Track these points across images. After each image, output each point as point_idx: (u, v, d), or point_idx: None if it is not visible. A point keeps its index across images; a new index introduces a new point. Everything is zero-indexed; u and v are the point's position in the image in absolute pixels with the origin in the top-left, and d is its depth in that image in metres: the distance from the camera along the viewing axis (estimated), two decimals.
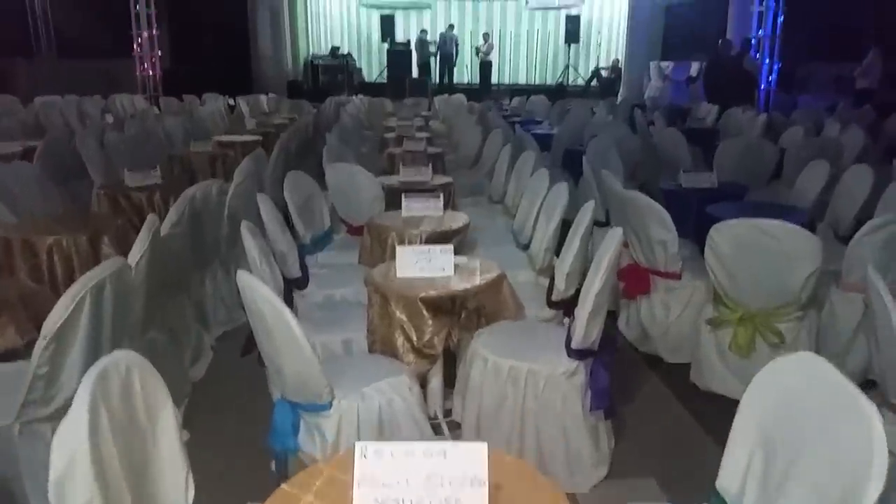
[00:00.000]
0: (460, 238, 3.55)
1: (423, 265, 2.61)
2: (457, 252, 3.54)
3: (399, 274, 2.62)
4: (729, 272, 3.04)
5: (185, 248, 3.34)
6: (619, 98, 15.23)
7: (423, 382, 2.67)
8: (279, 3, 16.17)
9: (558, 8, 19.76)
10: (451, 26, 18.29)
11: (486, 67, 18.44)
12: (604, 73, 18.31)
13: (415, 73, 17.44)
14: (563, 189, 3.47)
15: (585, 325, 2.35)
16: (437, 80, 17.86)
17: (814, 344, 3.09)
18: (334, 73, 16.39)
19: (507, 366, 2.41)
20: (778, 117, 8.53)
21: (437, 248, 2.66)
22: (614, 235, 2.49)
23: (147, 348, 2.81)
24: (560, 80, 18.80)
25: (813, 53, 13.81)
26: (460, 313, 2.60)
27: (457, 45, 17.71)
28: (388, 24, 18.42)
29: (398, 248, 2.64)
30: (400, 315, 2.50)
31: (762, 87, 11.97)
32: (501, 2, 20.46)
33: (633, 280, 3.65)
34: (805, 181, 4.62)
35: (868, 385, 3.20)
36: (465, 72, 19.27)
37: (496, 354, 2.45)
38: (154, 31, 15.15)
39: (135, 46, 15.09)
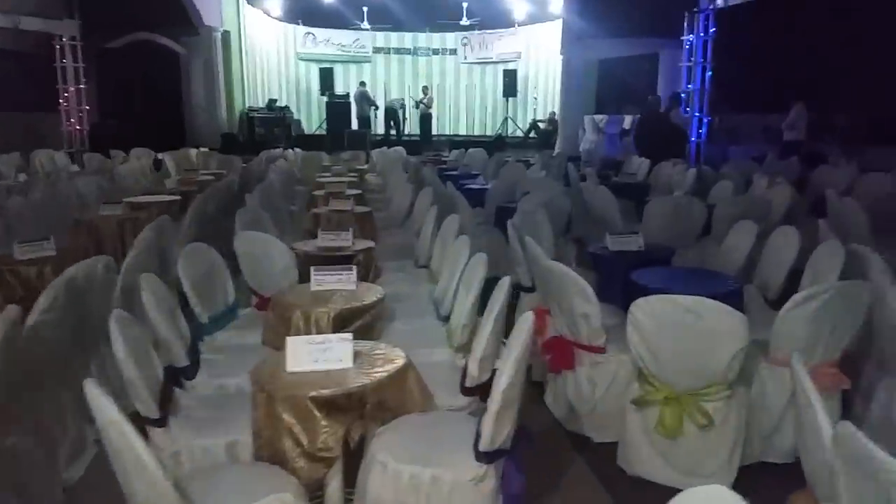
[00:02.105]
0: (375, 313, 3.30)
1: (317, 357, 2.35)
2: (371, 328, 3.32)
3: (290, 368, 2.34)
4: (652, 350, 2.86)
5: (61, 336, 3.00)
6: (556, 150, 15.42)
7: (321, 486, 2.38)
8: (212, 55, 15.95)
9: (495, 62, 20.16)
10: (363, 83, 18.38)
11: (426, 120, 18.55)
12: (541, 126, 18.59)
13: (355, 125, 17.37)
14: (481, 260, 3.28)
15: (493, 425, 2.12)
16: (384, 132, 17.88)
17: (743, 424, 2.92)
18: (271, 126, 16.17)
19: (408, 473, 2.14)
20: (707, 171, 8.64)
21: (334, 337, 2.40)
22: (525, 321, 2.29)
23: (5, 457, 2.46)
24: (499, 131, 19.02)
25: (741, 106, 14.30)
26: (361, 408, 2.34)
27: (369, 100, 17.75)
28: (327, 77, 18.42)
29: (288, 340, 2.36)
30: (287, 417, 2.21)
31: (693, 139, 12.23)
32: (440, 56, 20.77)
33: (557, 353, 3.45)
34: (733, 242, 4.56)
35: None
36: (406, 124, 19.32)
37: (396, 459, 2.18)
38: (81, 85, 14.71)
39: (60, 101, 14.62)
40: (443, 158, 13.40)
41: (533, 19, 18.78)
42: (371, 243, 4.59)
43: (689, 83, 12.26)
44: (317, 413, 2.23)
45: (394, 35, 20.49)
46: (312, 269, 3.38)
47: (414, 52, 20.70)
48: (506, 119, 19.37)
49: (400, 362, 2.44)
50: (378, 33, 20.30)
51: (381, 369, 2.37)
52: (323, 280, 3.34)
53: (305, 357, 2.34)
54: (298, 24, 19.45)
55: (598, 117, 15.21)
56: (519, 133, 19.17)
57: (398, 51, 20.66)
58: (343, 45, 20.10)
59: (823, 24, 14.04)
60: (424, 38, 20.66)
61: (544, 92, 19.41)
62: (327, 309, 3.08)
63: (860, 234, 5.22)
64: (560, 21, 16.60)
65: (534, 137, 18.48)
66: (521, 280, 4.38)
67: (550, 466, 3.10)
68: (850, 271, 3.39)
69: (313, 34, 19.67)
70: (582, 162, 12.65)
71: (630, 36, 13.84)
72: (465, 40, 20.54)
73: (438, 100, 20.28)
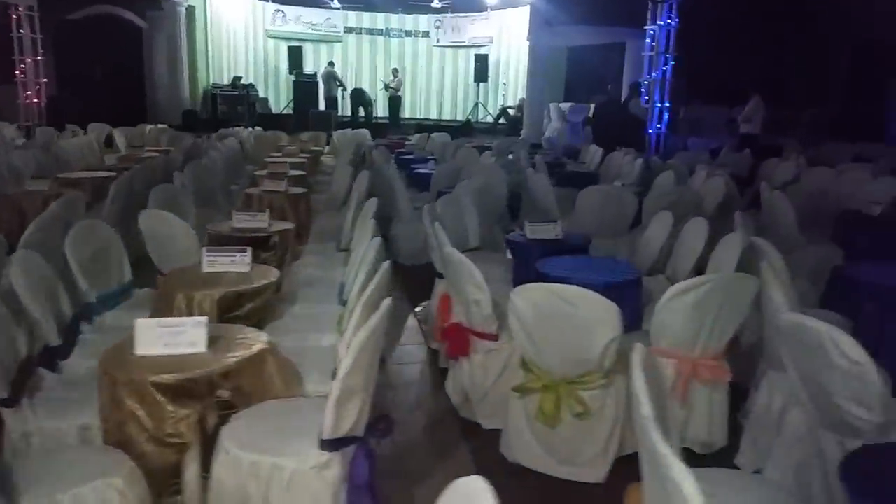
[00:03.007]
0: (267, 297, 3.27)
1: (168, 340, 2.31)
2: (262, 312, 3.29)
3: (139, 352, 2.30)
4: (531, 338, 2.86)
5: None
6: (522, 137, 15.39)
7: (178, 472, 2.35)
8: (176, 30, 15.66)
9: (468, 46, 19.99)
10: (332, 63, 18.16)
11: (395, 102, 18.41)
12: (511, 112, 18.52)
13: (322, 105, 17.18)
14: (374, 245, 3.24)
15: (335, 413, 2.09)
16: (351, 114, 17.76)
17: (622, 413, 2.93)
18: (234, 104, 15.93)
19: (248, 460, 2.12)
20: (657, 162, 8.66)
21: (188, 320, 2.37)
22: (383, 307, 2.27)
23: None
24: (469, 117, 18.93)
25: (707, 97, 14.34)
26: (213, 394, 2.31)
27: (336, 80, 17.58)
28: (295, 56, 18.18)
29: (136, 323, 2.33)
30: (131, 402, 2.17)
31: (652, 130, 12.25)
32: (413, 38, 20.56)
33: (453, 340, 3.45)
34: (651, 232, 4.57)
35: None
36: (375, 106, 19.14)
37: (238, 446, 2.15)
38: (39, 57, 14.37)
39: (17, 73, 14.27)
40: (405, 142, 13.35)
41: (505, 4, 18.62)
42: (289, 225, 4.55)
43: (651, 73, 12.24)
44: (160, 398, 2.19)
45: (366, 15, 20.23)
46: (204, 249, 3.33)
47: (386, 33, 20.46)
48: (476, 104, 19.28)
49: (257, 347, 2.41)
50: (350, 13, 20.03)
51: (234, 354, 2.34)
52: (215, 261, 3.30)
53: (155, 340, 2.30)
54: (268, 0, 19.15)
55: (563, 105, 15.20)
56: (489, 118, 19.10)
57: (370, 31, 20.40)
58: (314, 24, 19.82)
59: (790, 18, 14.11)
60: (397, 20, 20.42)
61: (515, 78, 19.30)
62: (211, 292, 3.03)
63: (788, 228, 5.28)
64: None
65: (503, 123, 18.41)
66: (437, 265, 4.36)
67: (435, 453, 3.10)
68: (752, 264, 3.41)
69: (283, 11, 19.36)
70: (543, 149, 12.67)
71: (598, 24, 13.80)
72: (438, 23, 20.35)
73: (410, 83, 20.11)
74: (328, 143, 12.79)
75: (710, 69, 13.49)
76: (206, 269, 3.29)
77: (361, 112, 17.93)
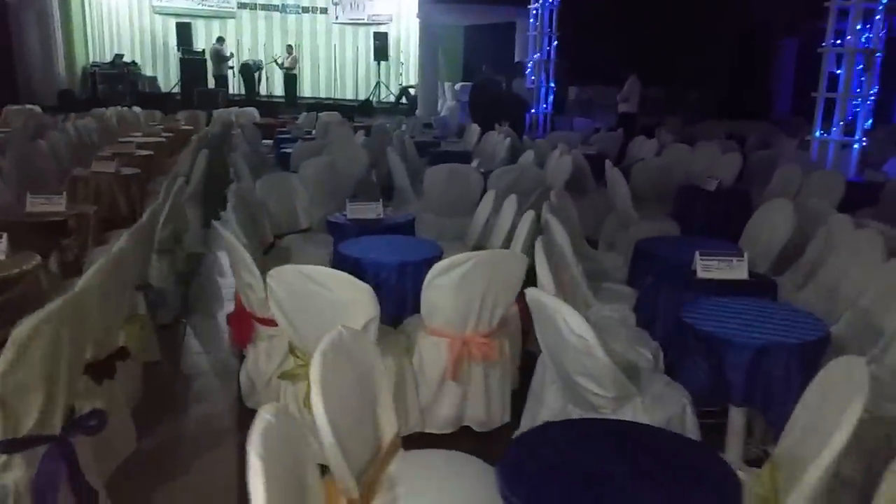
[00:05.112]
0: (23, 287, 3.02)
1: None
2: (24, 303, 3.04)
3: None
4: (290, 322, 2.74)
5: None
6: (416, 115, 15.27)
7: None
8: (48, 6, 14.67)
9: (367, 24, 19.61)
10: (221, 39, 17.53)
11: (290, 80, 17.90)
12: (412, 91, 18.31)
13: (211, 83, 16.54)
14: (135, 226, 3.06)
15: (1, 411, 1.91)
16: (246, 92, 17.19)
17: (396, 395, 2.85)
18: (115, 83, 15.12)
19: None
20: (527, 141, 8.70)
21: None
22: (71, 293, 2.09)
23: None
24: (370, 96, 18.61)
25: (599, 78, 14.54)
26: None
27: (224, 57, 17.00)
28: (184, 32, 17.41)
29: None
30: None
31: (541, 109, 12.33)
32: (310, 15, 19.98)
33: (238, 326, 3.30)
34: (479, 211, 4.54)
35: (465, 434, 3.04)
36: (270, 84, 18.58)
37: None
38: None
39: None
40: (296, 121, 13.00)
41: None
42: (90, 208, 4.27)
43: (536, 52, 12.30)
44: None
45: None
46: None
47: (282, 8, 19.77)
48: (378, 83, 18.96)
49: None
50: None
51: None
52: None
53: None
54: None
55: (458, 85, 15.14)
56: (392, 98, 18.82)
57: (265, 7, 19.66)
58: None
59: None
60: None
61: (416, 56, 19.06)
62: None
63: (623, 203, 5.37)
64: None
65: (404, 103, 18.20)
66: None
67: (203, 447, 2.95)
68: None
69: None
70: (433, 128, 12.59)
71: (487, 2, 13.75)
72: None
73: (309, 61, 19.59)
74: (208, 123, 12.30)
75: (596, 49, 13.67)
76: None
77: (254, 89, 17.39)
